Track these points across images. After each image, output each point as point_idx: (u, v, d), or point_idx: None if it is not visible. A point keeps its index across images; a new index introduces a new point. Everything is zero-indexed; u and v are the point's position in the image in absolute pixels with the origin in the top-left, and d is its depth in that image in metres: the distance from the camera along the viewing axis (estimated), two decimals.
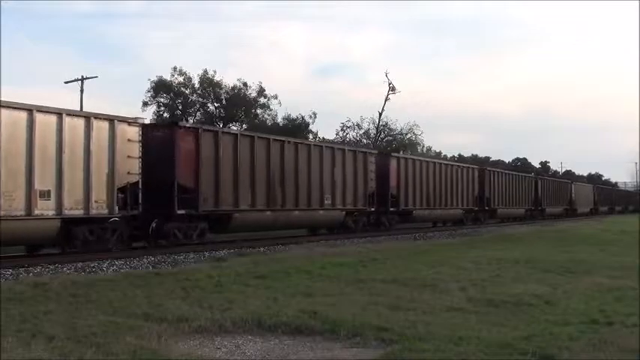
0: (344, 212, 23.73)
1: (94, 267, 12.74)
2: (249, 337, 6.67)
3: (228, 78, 68.69)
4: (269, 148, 19.86)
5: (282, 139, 21.47)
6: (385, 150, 35.88)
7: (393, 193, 26.89)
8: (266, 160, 19.65)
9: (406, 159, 28.94)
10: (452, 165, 34.43)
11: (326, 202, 22.50)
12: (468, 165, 38.28)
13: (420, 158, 31.92)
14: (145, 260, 14.08)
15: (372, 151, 27.40)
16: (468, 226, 32.74)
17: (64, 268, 12.31)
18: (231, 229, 18.92)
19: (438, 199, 30.63)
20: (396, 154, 29.47)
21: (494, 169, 41.09)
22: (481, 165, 44.81)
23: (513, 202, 41.40)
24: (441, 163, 32.64)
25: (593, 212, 63.98)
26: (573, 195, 55.91)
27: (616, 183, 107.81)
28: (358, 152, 25.36)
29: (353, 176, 24.00)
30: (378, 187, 25.60)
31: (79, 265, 12.85)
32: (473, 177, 35.13)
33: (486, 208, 36.68)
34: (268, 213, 19.89)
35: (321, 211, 22.44)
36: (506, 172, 43.84)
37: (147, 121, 18.30)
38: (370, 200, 25.14)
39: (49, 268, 12.26)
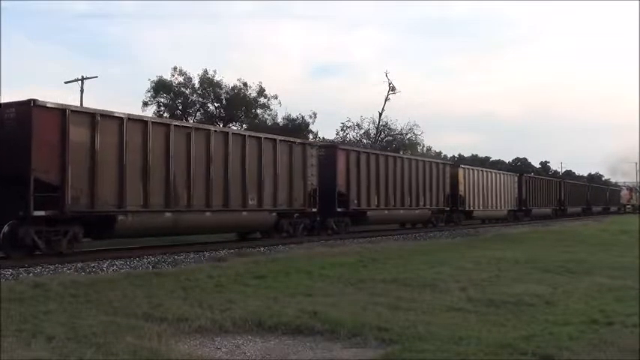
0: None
1: (94, 267, 12.75)
2: (249, 337, 6.66)
3: (228, 78, 68.63)
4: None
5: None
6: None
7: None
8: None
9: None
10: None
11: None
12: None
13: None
14: (144, 260, 14.10)
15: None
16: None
17: (64, 268, 12.30)
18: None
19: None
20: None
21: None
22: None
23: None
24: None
25: (517, 217, 42.54)
26: (461, 188, 33.70)
27: (616, 183, 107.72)
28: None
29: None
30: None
31: (79, 265, 12.85)
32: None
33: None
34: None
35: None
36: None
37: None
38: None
39: (49, 268, 12.25)
